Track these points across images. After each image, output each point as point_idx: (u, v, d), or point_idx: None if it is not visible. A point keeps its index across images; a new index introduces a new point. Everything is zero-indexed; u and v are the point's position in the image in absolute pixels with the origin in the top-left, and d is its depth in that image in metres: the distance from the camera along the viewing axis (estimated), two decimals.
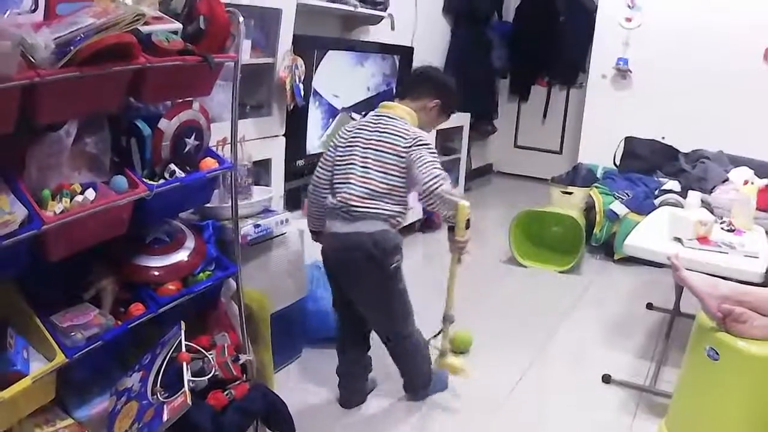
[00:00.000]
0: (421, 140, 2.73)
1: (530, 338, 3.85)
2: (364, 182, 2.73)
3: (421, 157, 2.68)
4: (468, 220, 2.73)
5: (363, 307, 2.90)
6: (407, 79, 2.99)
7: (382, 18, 5.11)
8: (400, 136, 2.74)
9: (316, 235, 3.07)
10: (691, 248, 3.29)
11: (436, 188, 2.61)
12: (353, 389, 3.09)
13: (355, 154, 2.78)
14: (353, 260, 2.76)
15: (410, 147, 2.71)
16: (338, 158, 2.84)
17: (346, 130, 2.91)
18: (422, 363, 3.05)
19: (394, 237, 2.77)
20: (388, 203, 2.74)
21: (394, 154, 2.73)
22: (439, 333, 3.02)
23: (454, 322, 3.00)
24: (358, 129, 2.85)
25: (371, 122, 2.85)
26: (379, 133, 2.78)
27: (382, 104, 2.95)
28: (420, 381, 3.10)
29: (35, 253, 1.88)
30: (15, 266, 1.88)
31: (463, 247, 2.82)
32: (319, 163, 2.93)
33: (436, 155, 2.73)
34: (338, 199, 2.75)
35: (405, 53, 5.29)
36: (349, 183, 2.75)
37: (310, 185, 2.97)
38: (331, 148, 2.91)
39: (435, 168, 2.65)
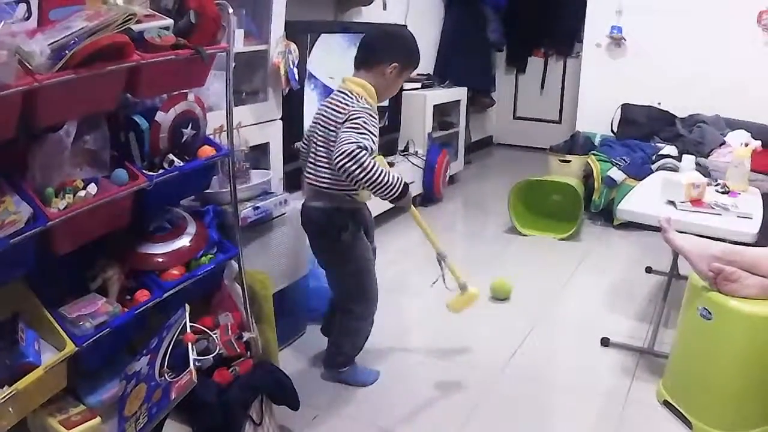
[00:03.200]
0: (354, 116, 2.63)
1: (531, 304, 3.93)
2: (317, 158, 2.77)
3: (343, 132, 2.59)
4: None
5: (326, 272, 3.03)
6: (358, 49, 2.84)
7: None
8: (338, 112, 2.69)
9: None
10: (684, 211, 3.33)
11: (340, 164, 2.52)
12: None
13: (315, 131, 2.80)
14: (310, 232, 2.92)
15: (344, 122, 2.63)
16: (308, 133, 2.91)
17: (320, 104, 2.88)
18: (353, 347, 3.07)
19: (342, 213, 2.80)
20: (334, 178, 2.72)
21: (332, 130, 2.69)
22: (442, 274, 2.98)
23: (446, 256, 2.97)
24: (321, 105, 2.84)
25: (329, 99, 2.81)
26: (327, 109, 2.76)
27: (342, 78, 2.87)
28: (341, 360, 3.08)
29: (42, 249, 1.94)
30: (24, 265, 1.94)
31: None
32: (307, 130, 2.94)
33: (364, 133, 2.59)
34: (305, 172, 2.84)
35: None
36: (309, 157, 2.82)
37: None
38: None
39: (346, 143, 2.53)
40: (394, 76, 2.82)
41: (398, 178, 2.64)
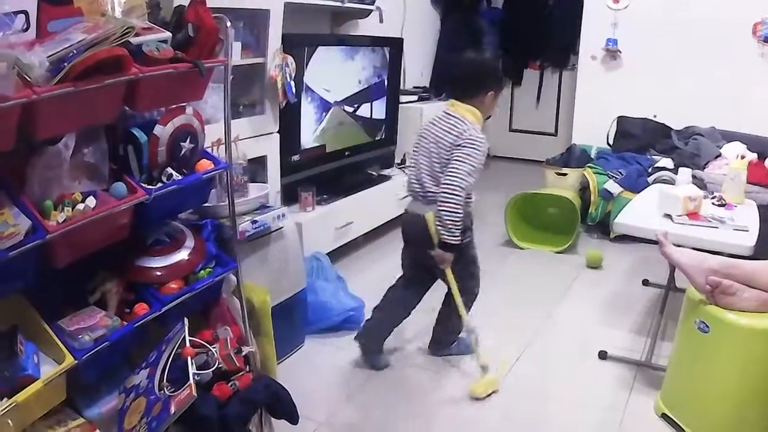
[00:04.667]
0: (469, 143, 2.99)
1: (529, 317, 3.93)
2: (433, 171, 3.06)
3: (456, 161, 2.97)
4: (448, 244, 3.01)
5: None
6: (457, 81, 3.20)
7: (370, 11, 5.17)
8: (453, 134, 3.02)
9: None
10: (680, 224, 3.34)
11: (443, 190, 2.94)
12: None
13: (425, 148, 3.11)
14: (420, 239, 3.11)
15: (459, 146, 2.99)
16: (414, 148, 3.20)
17: (423, 126, 3.22)
18: (458, 324, 3.31)
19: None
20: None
21: (447, 149, 3.01)
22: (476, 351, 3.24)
23: (474, 330, 3.23)
24: (430, 124, 3.16)
25: (439, 120, 3.13)
26: (440, 130, 3.08)
27: (448, 102, 3.19)
28: (449, 338, 3.44)
29: (42, 262, 1.93)
30: (23, 278, 1.93)
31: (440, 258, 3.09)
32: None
33: (473, 166, 2.97)
34: (409, 179, 3.20)
35: (395, 44, 5.35)
36: (418, 171, 3.13)
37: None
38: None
39: (455, 177, 2.93)
40: (491, 100, 3.18)
41: (459, 235, 3.01)
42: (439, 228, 2.97)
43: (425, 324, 3.64)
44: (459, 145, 2.98)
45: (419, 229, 3.08)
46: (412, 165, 3.18)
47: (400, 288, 3.41)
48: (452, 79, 3.25)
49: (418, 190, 3.13)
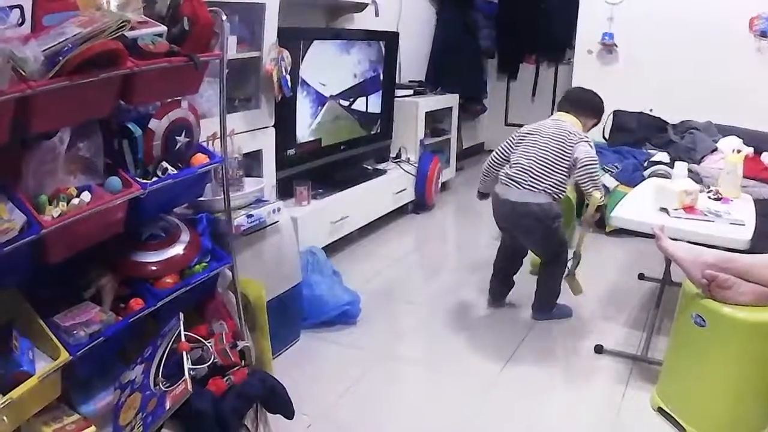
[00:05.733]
0: (584, 138, 3.58)
1: (524, 311, 3.93)
2: (540, 166, 3.53)
3: (583, 149, 3.52)
4: (599, 207, 3.54)
5: (532, 247, 3.86)
6: (577, 99, 3.87)
7: (366, 5, 5.16)
8: (568, 136, 3.56)
9: (483, 195, 4.01)
10: (677, 218, 3.33)
11: (588, 170, 3.49)
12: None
13: (537, 141, 3.61)
14: (526, 223, 3.60)
15: (578, 143, 3.53)
16: (521, 143, 3.69)
17: (529, 127, 3.76)
18: (556, 289, 3.82)
19: (556, 206, 3.58)
20: (558, 181, 3.54)
21: (569, 146, 3.53)
22: (573, 267, 3.75)
23: (580, 259, 3.71)
24: (538, 124, 3.72)
25: (549, 122, 3.71)
26: (552, 132, 3.61)
27: (558, 113, 3.79)
28: (549, 304, 3.84)
29: (36, 258, 1.93)
30: (17, 273, 1.93)
31: (589, 221, 3.69)
32: (504, 144, 3.81)
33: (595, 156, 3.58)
34: (514, 170, 3.59)
35: (390, 39, 5.35)
36: (523, 166, 3.56)
37: (488, 159, 3.88)
38: (512, 138, 3.80)
39: (591, 158, 3.51)
40: (589, 126, 3.84)
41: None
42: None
43: (424, 318, 3.65)
44: (578, 143, 3.54)
45: (529, 214, 3.52)
46: (524, 159, 3.59)
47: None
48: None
49: (525, 180, 3.52)
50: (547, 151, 3.54)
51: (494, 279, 4.01)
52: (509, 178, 3.59)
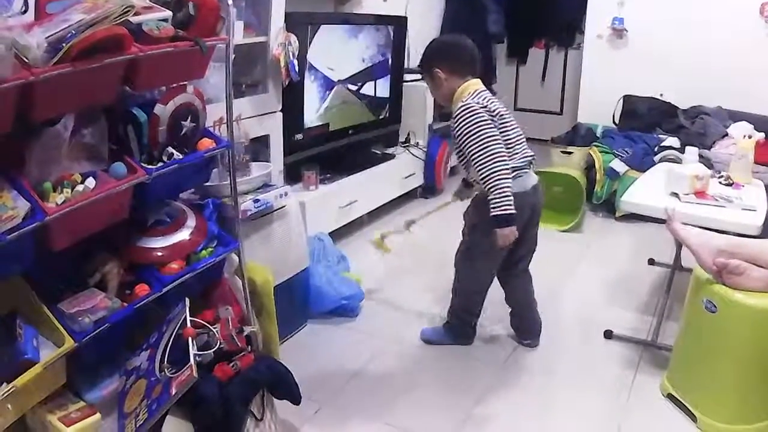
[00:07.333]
0: None
1: (535, 296, 3.89)
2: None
3: None
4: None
5: (531, 244, 3.25)
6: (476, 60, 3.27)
7: None
8: None
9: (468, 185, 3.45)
10: (687, 203, 3.31)
11: None
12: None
13: (511, 117, 3.09)
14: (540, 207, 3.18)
15: None
16: (506, 124, 3.04)
17: (495, 104, 3.06)
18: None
19: None
20: None
21: None
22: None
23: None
24: (495, 101, 3.08)
25: (491, 95, 3.12)
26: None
27: (476, 81, 3.19)
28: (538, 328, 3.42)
29: (40, 245, 1.92)
30: (22, 261, 1.93)
31: None
32: (495, 134, 2.92)
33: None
34: (525, 154, 3.05)
35: (399, 23, 5.31)
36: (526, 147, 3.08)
37: (501, 154, 2.90)
38: (491, 121, 2.95)
39: None
40: (441, 80, 3.27)
41: None
42: None
43: (432, 302, 3.64)
44: None
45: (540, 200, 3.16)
46: (520, 138, 3.08)
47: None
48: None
49: (531, 157, 3.09)
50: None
51: (513, 317, 3.48)
52: (528, 163, 3.07)
